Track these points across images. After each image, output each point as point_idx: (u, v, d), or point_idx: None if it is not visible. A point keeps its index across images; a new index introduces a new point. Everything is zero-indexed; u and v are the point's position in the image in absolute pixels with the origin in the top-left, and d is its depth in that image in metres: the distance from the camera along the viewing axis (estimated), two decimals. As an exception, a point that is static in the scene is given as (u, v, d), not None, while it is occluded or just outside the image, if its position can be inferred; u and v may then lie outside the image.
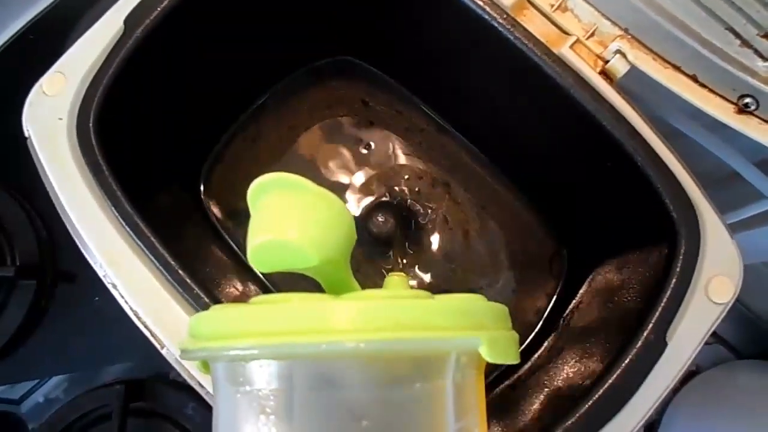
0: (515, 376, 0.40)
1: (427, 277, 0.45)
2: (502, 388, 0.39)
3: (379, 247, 0.45)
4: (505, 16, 0.34)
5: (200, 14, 0.36)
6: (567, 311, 0.41)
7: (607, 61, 0.33)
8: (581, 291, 0.41)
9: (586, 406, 0.28)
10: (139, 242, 0.30)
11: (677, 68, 0.33)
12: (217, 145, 0.47)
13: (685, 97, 0.32)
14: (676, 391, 0.63)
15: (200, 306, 0.30)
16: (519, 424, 0.34)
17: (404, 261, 0.45)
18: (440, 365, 0.21)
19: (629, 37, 0.34)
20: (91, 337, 0.53)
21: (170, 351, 0.29)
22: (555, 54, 0.33)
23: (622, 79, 0.33)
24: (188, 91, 0.41)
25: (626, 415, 0.28)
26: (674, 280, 0.30)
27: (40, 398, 0.59)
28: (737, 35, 0.31)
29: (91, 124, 0.32)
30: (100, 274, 0.31)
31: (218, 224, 0.46)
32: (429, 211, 0.46)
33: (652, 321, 0.30)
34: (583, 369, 0.34)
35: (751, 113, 0.32)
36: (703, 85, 0.32)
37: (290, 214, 0.25)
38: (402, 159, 0.47)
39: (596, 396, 0.29)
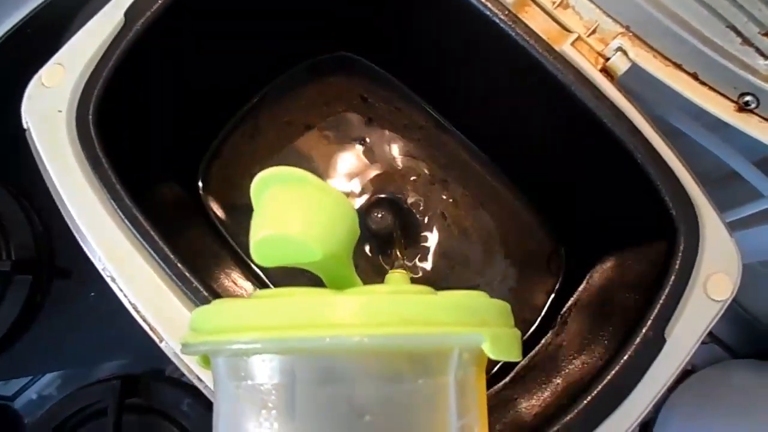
0: (513, 372, 0.40)
1: (424, 274, 0.45)
2: (501, 384, 0.39)
3: (376, 243, 0.45)
4: (506, 12, 0.34)
5: (200, 8, 0.36)
6: (565, 308, 0.41)
7: (608, 59, 0.34)
8: (580, 288, 0.41)
9: (585, 402, 0.29)
10: (138, 235, 0.30)
11: (678, 66, 0.33)
12: (216, 141, 0.47)
13: (686, 94, 0.32)
14: (671, 390, 0.63)
15: (199, 299, 0.29)
16: (517, 421, 0.34)
17: (402, 257, 0.45)
18: (443, 361, 0.21)
19: (630, 34, 0.34)
20: (87, 333, 0.53)
21: (169, 344, 0.29)
22: (556, 51, 0.33)
23: (623, 77, 0.33)
24: (187, 86, 0.41)
25: (625, 410, 0.29)
26: (673, 277, 0.30)
27: (34, 395, 0.59)
28: (738, 33, 0.31)
29: (90, 117, 0.32)
30: (99, 267, 0.31)
31: (216, 219, 0.45)
32: (427, 208, 0.46)
33: (651, 317, 0.30)
34: (581, 366, 0.34)
35: (751, 111, 0.32)
36: (703, 83, 0.33)
37: (294, 208, 0.25)
38: (401, 156, 0.47)
39: (595, 392, 0.29)
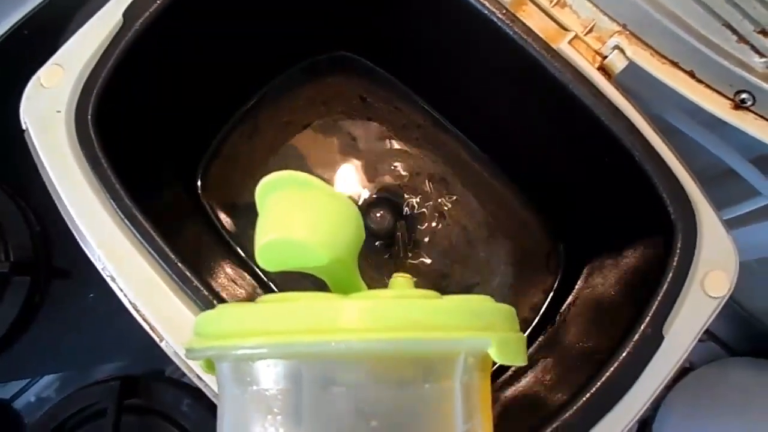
0: (511, 370, 0.40)
1: (423, 273, 0.45)
2: (499, 382, 0.39)
3: (375, 242, 0.45)
4: (504, 11, 0.34)
5: (199, 9, 0.36)
6: (564, 306, 0.42)
7: (605, 57, 0.34)
8: (578, 286, 0.41)
9: (583, 399, 0.29)
10: (138, 235, 0.30)
11: (675, 64, 0.33)
12: (214, 140, 0.47)
13: (682, 92, 0.32)
14: (669, 387, 0.64)
15: (199, 298, 0.29)
16: (516, 418, 0.34)
17: (400, 256, 0.45)
18: (449, 366, 0.21)
19: (627, 33, 0.34)
20: (86, 334, 0.53)
21: (169, 344, 0.29)
22: (554, 49, 0.33)
23: (621, 75, 0.34)
24: (186, 86, 0.41)
25: (623, 407, 0.29)
26: (671, 274, 0.30)
27: (32, 397, 0.59)
28: (734, 31, 0.31)
29: (89, 117, 0.32)
30: (99, 266, 0.31)
31: (215, 218, 0.45)
32: (426, 207, 0.46)
33: (649, 315, 0.30)
34: (579, 363, 0.34)
35: (747, 109, 0.32)
36: (700, 81, 0.33)
37: (299, 212, 0.24)
38: (400, 155, 0.47)
39: (593, 389, 0.29)
